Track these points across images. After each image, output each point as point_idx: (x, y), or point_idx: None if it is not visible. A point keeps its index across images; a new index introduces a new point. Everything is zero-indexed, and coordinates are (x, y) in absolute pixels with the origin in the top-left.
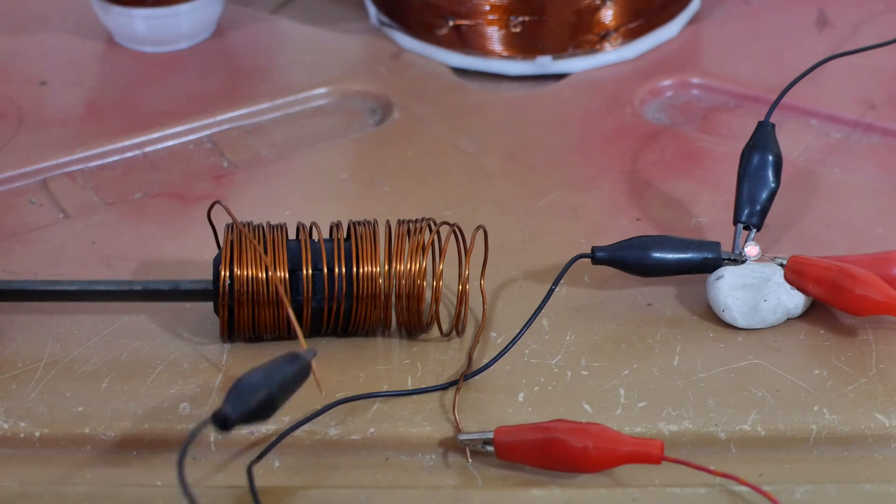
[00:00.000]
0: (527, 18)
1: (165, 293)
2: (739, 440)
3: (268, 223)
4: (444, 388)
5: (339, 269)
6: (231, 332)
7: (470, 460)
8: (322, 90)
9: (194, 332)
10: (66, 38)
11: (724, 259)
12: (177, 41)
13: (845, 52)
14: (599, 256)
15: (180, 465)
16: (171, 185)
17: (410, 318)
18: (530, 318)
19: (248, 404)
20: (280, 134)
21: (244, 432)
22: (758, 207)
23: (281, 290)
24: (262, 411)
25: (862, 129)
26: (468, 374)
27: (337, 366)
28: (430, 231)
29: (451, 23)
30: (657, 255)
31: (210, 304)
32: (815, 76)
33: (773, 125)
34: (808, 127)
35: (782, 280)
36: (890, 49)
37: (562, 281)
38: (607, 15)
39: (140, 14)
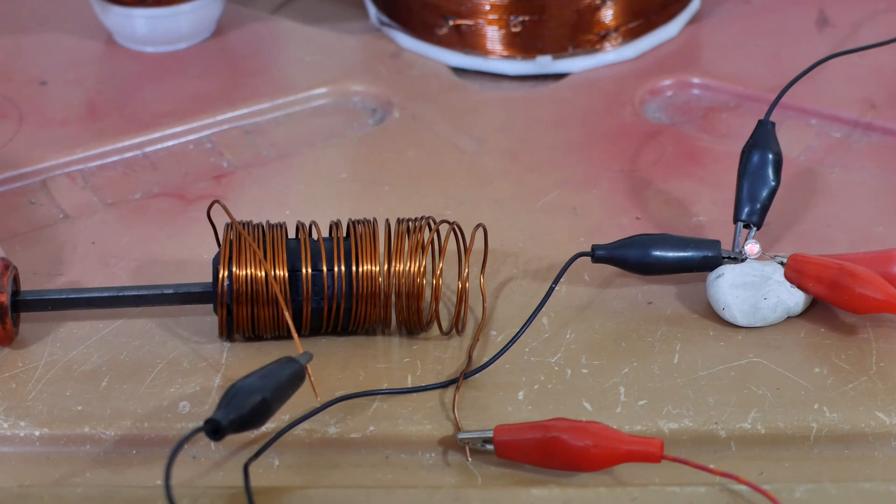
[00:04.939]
0: (527, 18)
1: (183, 297)
2: (739, 438)
3: (267, 222)
4: (443, 386)
5: (339, 268)
6: (230, 331)
7: (470, 459)
8: (322, 90)
9: (194, 331)
10: (66, 38)
11: (724, 257)
12: (177, 41)
13: (845, 50)
14: (599, 255)
15: (167, 470)
16: (171, 185)
17: (410, 316)
18: (530, 317)
19: (240, 411)
20: (280, 134)
21: None
22: (758, 206)
23: (279, 290)
24: (256, 418)
25: (862, 128)
26: (468, 373)
27: (337, 364)
28: (430, 229)
29: (451, 22)
30: (657, 253)
31: (210, 304)
32: (815, 75)
33: (773, 123)
34: (809, 126)
35: (782, 278)
36: (890, 48)
37: (562, 279)
38: (607, 15)
39: (140, 14)
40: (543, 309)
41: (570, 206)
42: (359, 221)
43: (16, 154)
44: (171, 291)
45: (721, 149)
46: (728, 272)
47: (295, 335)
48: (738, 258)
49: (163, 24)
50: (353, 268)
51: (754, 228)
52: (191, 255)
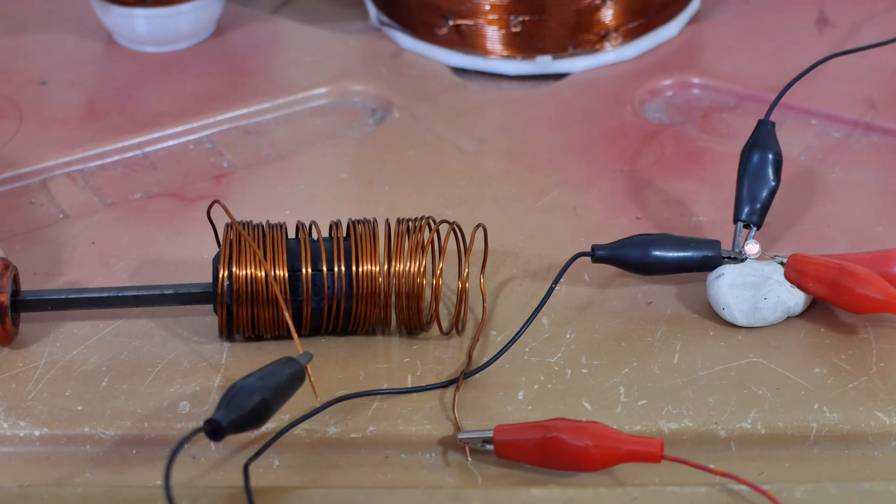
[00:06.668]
0: (527, 18)
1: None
2: (739, 438)
3: (267, 222)
4: (443, 386)
5: (339, 268)
6: (230, 331)
7: (469, 459)
8: (322, 90)
9: (194, 331)
10: (66, 38)
11: (724, 257)
12: (177, 41)
13: (845, 50)
14: (599, 255)
15: (167, 470)
16: (171, 185)
17: (410, 316)
18: (530, 317)
19: (240, 411)
20: (280, 134)
21: None
22: (758, 206)
23: (279, 290)
24: (256, 418)
25: (862, 128)
26: (468, 373)
27: (337, 364)
28: (430, 230)
29: (451, 22)
30: (657, 253)
31: (210, 304)
32: (815, 75)
33: (773, 123)
34: (809, 126)
35: (782, 278)
36: (890, 48)
37: (562, 279)
38: (607, 15)
39: (140, 14)
40: (543, 309)
41: (570, 206)
42: (359, 221)
43: (16, 154)
44: (171, 292)
45: (721, 149)
46: (728, 272)
47: (295, 335)
48: (738, 258)
49: (163, 24)
50: (353, 268)
51: (754, 228)
52: (191, 255)
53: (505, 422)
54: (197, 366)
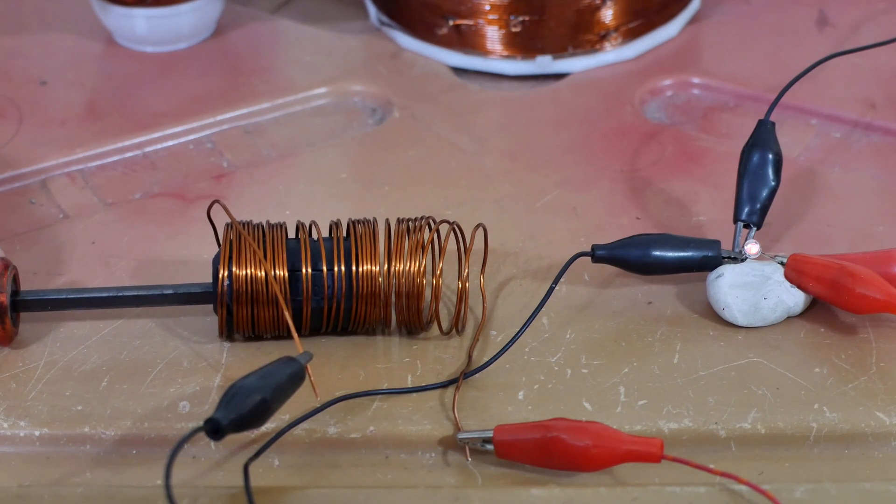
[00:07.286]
0: (527, 18)
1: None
2: (739, 438)
3: (267, 222)
4: (443, 386)
5: (339, 268)
6: (230, 331)
7: (469, 459)
8: (322, 90)
9: (194, 331)
10: (66, 38)
11: (724, 257)
12: (177, 41)
13: (845, 50)
14: (599, 255)
15: (167, 470)
16: (171, 185)
17: (410, 316)
18: (530, 317)
19: (240, 411)
20: (280, 134)
21: None
22: (758, 206)
23: (279, 290)
24: (256, 418)
25: (862, 128)
26: (468, 373)
27: (337, 364)
28: (430, 229)
29: (450, 22)
30: (657, 253)
31: (210, 304)
32: (815, 75)
33: (773, 123)
34: (809, 126)
35: (782, 278)
36: (890, 48)
37: (562, 279)
38: (607, 14)
39: (140, 14)
40: (543, 309)
41: (570, 206)
42: (359, 221)
43: (16, 154)
44: (171, 291)
45: (721, 149)
46: (728, 272)
47: (295, 335)
48: (738, 258)
49: (163, 24)
50: (353, 268)
51: (754, 228)
52: (191, 255)
53: (505, 422)
54: (197, 366)
